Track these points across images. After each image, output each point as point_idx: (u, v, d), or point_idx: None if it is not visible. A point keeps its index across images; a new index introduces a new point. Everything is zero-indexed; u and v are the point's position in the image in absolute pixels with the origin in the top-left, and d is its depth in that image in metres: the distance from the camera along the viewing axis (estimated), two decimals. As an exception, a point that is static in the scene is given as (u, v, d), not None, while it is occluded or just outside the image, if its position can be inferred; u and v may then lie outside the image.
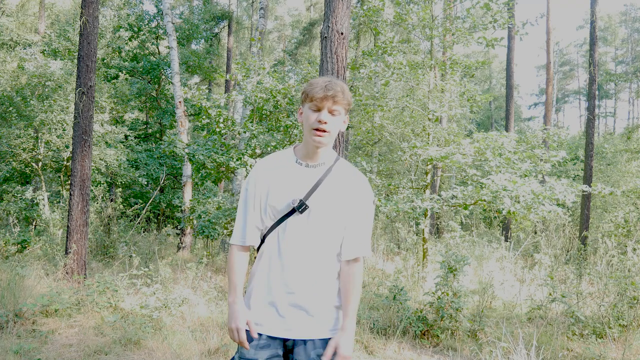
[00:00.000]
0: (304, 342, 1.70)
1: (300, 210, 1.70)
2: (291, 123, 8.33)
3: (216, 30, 21.02)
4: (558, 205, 8.31)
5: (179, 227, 11.15)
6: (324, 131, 1.68)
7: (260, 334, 1.72)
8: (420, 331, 4.82)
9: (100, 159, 10.91)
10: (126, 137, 14.07)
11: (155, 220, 14.27)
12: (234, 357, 1.78)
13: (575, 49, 41.54)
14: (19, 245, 7.93)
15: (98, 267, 7.64)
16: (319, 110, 1.67)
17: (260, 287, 1.75)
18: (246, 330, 1.72)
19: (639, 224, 9.72)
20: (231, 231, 8.84)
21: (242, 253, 1.81)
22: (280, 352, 1.73)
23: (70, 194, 6.23)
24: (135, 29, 14.58)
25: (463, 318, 4.84)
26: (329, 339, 1.73)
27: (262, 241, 1.80)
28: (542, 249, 8.99)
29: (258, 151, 8.45)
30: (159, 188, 13.71)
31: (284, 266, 1.70)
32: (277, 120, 8.83)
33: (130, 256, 8.04)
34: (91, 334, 4.39)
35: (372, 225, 1.87)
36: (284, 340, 1.73)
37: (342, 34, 4.72)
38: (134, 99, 15.14)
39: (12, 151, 10.34)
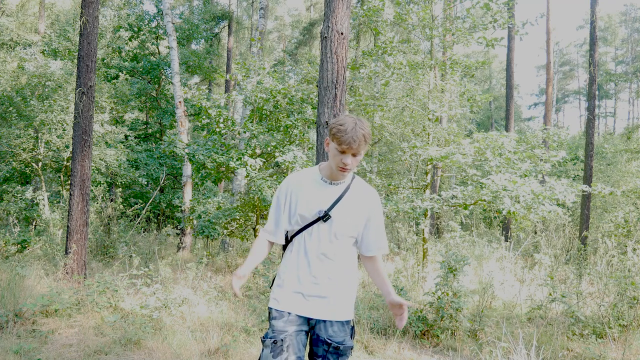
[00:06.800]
0: (324, 321, 2.12)
1: (324, 219, 2.10)
2: (291, 123, 8.32)
3: (216, 30, 21.04)
4: (558, 205, 8.32)
5: (179, 227, 11.15)
6: (347, 169, 2.04)
7: (289, 313, 2.11)
8: (420, 331, 4.82)
9: (100, 159, 10.91)
10: (126, 137, 14.07)
11: (155, 220, 14.27)
12: (267, 332, 2.11)
13: (575, 49, 41.56)
14: (19, 245, 7.93)
15: (98, 267, 7.64)
16: (343, 153, 2.00)
17: (291, 279, 2.14)
18: (276, 311, 2.13)
19: (639, 224, 9.71)
20: (231, 231, 8.86)
21: (267, 242, 2.23)
22: (305, 328, 2.13)
23: (70, 194, 6.23)
24: (135, 29, 14.58)
25: (463, 318, 4.83)
26: (344, 321, 2.14)
27: (291, 240, 2.20)
28: (542, 249, 8.98)
29: (258, 151, 8.44)
30: (159, 188, 13.71)
31: (310, 263, 2.12)
32: (277, 120, 8.84)
33: (130, 256, 8.04)
34: (91, 334, 4.39)
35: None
36: (308, 319, 2.13)
37: (342, 34, 4.72)
38: (134, 99, 15.13)
39: (12, 151, 10.34)
